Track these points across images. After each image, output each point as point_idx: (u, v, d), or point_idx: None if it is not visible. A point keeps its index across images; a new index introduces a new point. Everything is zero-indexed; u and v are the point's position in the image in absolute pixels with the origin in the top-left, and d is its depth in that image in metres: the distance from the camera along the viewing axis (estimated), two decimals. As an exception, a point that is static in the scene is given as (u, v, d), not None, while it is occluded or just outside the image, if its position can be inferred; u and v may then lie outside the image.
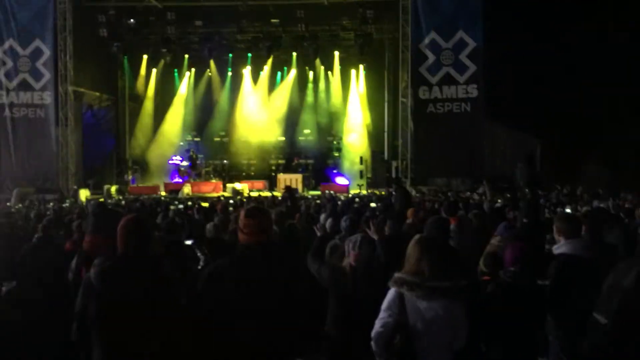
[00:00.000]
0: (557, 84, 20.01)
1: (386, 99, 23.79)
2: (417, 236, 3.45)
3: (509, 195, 13.59)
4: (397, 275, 3.27)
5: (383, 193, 18.01)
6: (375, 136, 24.09)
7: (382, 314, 3.26)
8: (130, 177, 23.88)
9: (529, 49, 20.05)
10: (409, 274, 3.23)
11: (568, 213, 4.58)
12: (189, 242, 5.34)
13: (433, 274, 3.18)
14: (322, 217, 7.12)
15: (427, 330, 3.17)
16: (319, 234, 5.02)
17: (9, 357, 4.39)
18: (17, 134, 20.75)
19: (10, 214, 11.51)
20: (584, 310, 3.86)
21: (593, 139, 19.75)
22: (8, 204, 16.69)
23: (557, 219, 4.31)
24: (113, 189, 21.81)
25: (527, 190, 15.69)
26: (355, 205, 11.24)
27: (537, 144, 20.73)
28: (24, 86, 20.71)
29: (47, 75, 20.67)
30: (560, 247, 4.12)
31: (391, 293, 3.28)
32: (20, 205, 16.10)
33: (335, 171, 24.08)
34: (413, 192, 17.85)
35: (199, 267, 4.91)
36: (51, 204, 15.29)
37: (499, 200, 12.13)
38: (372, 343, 3.24)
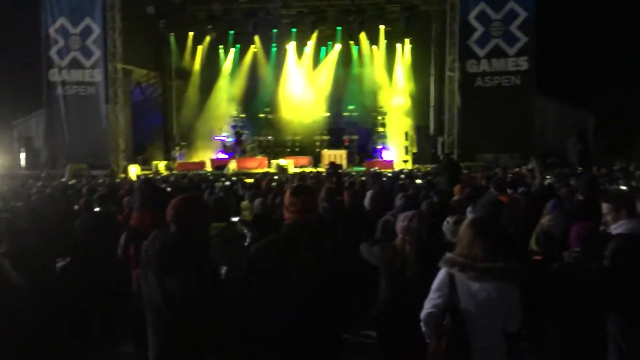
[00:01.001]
0: (611, 56, 19.13)
1: (432, 73, 23.29)
2: (470, 217, 3.35)
3: (559, 171, 13.16)
4: (448, 255, 3.20)
5: (428, 169, 17.74)
6: (420, 111, 23.65)
7: (432, 295, 3.20)
8: (177, 154, 24.28)
9: (583, 18, 19.18)
10: (461, 255, 3.15)
11: (625, 192, 4.33)
12: (235, 219, 5.37)
13: (486, 255, 3.09)
14: (368, 194, 7.03)
15: (479, 312, 3.09)
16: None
17: (62, 331, 4.52)
18: (69, 111, 21.33)
19: (66, 189, 11.90)
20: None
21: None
22: (62, 179, 17.26)
23: (612, 197, 4.11)
24: (161, 165, 22.27)
25: (580, 166, 15.16)
26: (401, 182, 11.12)
27: (590, 119, 19.94)
28: (75, 64, 21.20)
29: (98, 53, 21.08)
30: (618, 226, 3.94)
31: (441, 273, 3.21)
32: (73, 181, 16.62)
33: (380, 147, 23.86)
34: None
35: (245, 245, 4.92)
36: (101, 180, 15.68)
37: (548, 177, 11.76)
38: (422, 324, 3.20)
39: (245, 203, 7.66)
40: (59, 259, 5.21)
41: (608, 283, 3.75)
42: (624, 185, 8.82)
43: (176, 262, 3.03)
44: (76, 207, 7.84)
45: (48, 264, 4.94)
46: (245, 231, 5.18)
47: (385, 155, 23.12)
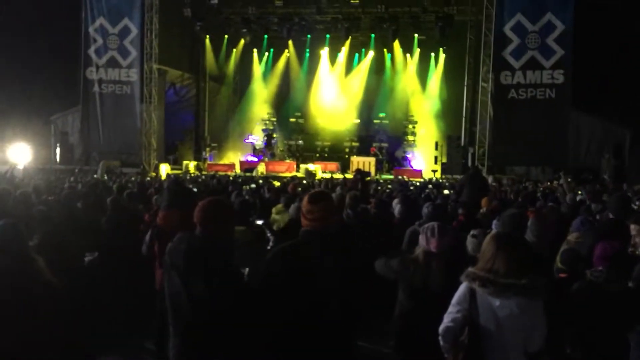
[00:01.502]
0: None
1: (465, 83, 23.10)
2: (493, 232, 3.30)
3: (590, 188, 12.88)
4: (469, 269, 3.14)
5: (457, 179, 17.57)
6: (452, 121, 23.45)
7: (452, 309, 3.15)
8: (208, 154, 24.56)
9: (621, 32, 18.78)
10: (483, 270, 3.09)
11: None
12: (259, 222, 5.39)
13: (508, 271, 3.03)
14: (394, 202, 7.00)
15: (499, 329, 3.02)
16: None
17: (89, 325, 4.60)
18: (105, 109, 21.76)
19: (97, 185, 12.11)
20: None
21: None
22: (95, 175, 17.61)
23: (638, 218, 4.00)
24: (191, 165, 22.55)
25: (613, 183, 14.81)
26: (427, 191, 11.04)
27: (626, 135, 19.47)
28: (113, 63, 21.63)
29: (134, 53, 21.47)
30: (648, 248, 3.85)
31: (462, 288, 3.15)
32: (105, 177, 16.94)
33: (409, 155, 23.74)
34: (490, 180, 17.32)
35: (268, 248, 4.94)
36: (133, 177, 15.94)
37: (580, 193, 11.52)
38: (440, 338, 3.15)
39: (280, 206, 7.66)
40: (87, 253, 5.30)
41: (632, 306, 3.66)
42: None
43: (201, 264, 3.03)
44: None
45: (78, 258, 5.05)
46: (268, 234, 5.20)
47: (414, 164, 22.99)
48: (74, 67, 21.97)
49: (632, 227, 3.93)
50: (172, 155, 23.67)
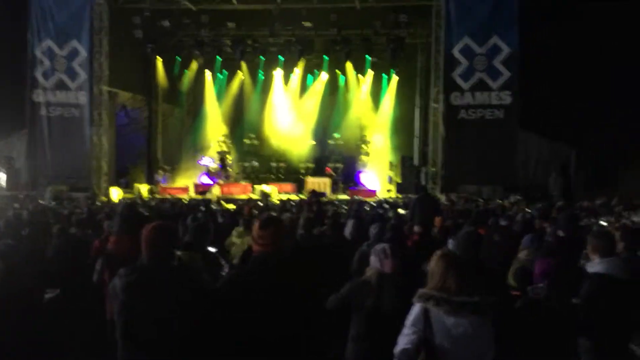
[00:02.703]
0: (593, 91, 19.50)
1: (417, 104, 23.57)
2: (439, 251, 3.33)
3: (540, 206, 13.25)
4: (422, 290, 3.17)
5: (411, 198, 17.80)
6: (405, 141, 23.85)
7: (407, 330, 3.15)
8: (161, 177, 24.12)
9: (566, 54, 19.59)
10: (434, 289, 3.12)
11: (603, 230, 4.36)
12: (212, 250, 5.28)
13: (460, 289, 3.07)
14: (349, 223, 7.00)
15: (454, 348, 3.05)
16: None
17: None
18: (53, 132, 21.12)
19: (43, 211, 11.73)
20: (616, 335, 3.72)
21: (631, 148, 19.17)
22: (41, 201, 17.04)
23: (591, 235, 4.12)
24: (144, 188, 22.10)
25: (561, 201, 15.29)
26: (380, 212, 11.13)
27: (572, 153, 20.20)
28: (60, 86, 21.07)
29: (83, 75, 20.99)
30: (594, 265, 3.95)
31: (416, 308, 3.16)
32: (53, 203, 16.42)
33: (363, 176, 23.94)
34: (442, 199, 17.61)
35: (222, 274, 4.85)
36: (81, 203, 15.50)
37: (529, 211, 11.84)
38: (395, 360, 3.15)
39: (240, 230, 7.54)
40: (48, 290, 5.10)
41: (581, 322, 3.75)
42: (605, 221, 8.88)
43: (151, 292, 3.00)
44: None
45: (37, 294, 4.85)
46: (222, 262, 5.11)
47: (368, 184, 23.18)
48: (19, 90, 21.30)
49: (588, 243, 4.05)
50: (123, 179, 23.12)
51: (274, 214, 10.69)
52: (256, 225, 3.21)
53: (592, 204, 12.66)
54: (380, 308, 3.81)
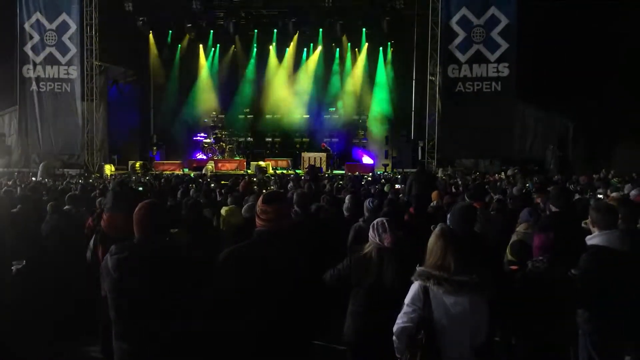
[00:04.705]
0: (592, 64, 19.30)
1: (414, 77, 23.33)
2: (438, 229, 3.25)
3: (537, 179, 13.20)
4: (421, 268, 3.09)
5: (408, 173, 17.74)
6: (401, 115, 23.68)
7: (406, 309, 3.08)
8: (154, 153, 23.96)
9: (564, 25, 19.32)
10: (434, 267, 3.05)
11: (603, 203, 4.30)
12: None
13: (459, 268, 3.01)
14: (346, 199, 6.91)
15: (452, 325, 3.01)
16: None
17: (18, 334, 4.37)
18: (44, 108, 20.91)
19: (36, 188, 11.59)
20: (616, 306, 3.69)
21: (629, 121, 19.06)
22: (34, 178, 16.89)
23: (592, 209, 4.07)
24: (137, 164, 21.96)
25: (558, 174, 15.28)
26: (377, 187, 11.06)
27: (570, 126, 20.10)
28: (51, 60, 20.80)
29: (74, 50, 20.72)
30: (593, 238, 3.91)
31: (415, 286, 3.10)
32: (47, 180, 16.27)
33: (360, 150, 23.85)
34: (439, 173, 17.56)
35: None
36: (75, 179, 15.38)
37: (527, 184, 11.79)
38: (394, 338, 3.09)
39: (232, 207, 7.42)
40: (14, 262, 5.03)
41: (580, 293, 3.72)
42: (602, 193, 8.84)
43: (142, 269, 2.95)
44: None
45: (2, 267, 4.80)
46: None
47: (364, 160, 23.10)
48: (9, 65, 20.99)
49: (589, 216, 4.00)
50: (116, 155, 22.92)
51: (273, 188, 10.65)
52: (260, 200, 3.16)
53: (590, 178, 12.59)
54: (381, 283, 3.75)
